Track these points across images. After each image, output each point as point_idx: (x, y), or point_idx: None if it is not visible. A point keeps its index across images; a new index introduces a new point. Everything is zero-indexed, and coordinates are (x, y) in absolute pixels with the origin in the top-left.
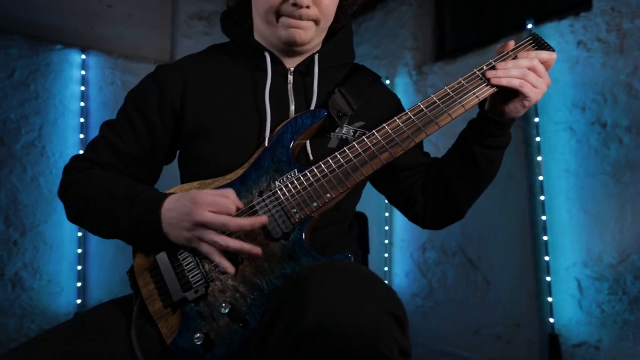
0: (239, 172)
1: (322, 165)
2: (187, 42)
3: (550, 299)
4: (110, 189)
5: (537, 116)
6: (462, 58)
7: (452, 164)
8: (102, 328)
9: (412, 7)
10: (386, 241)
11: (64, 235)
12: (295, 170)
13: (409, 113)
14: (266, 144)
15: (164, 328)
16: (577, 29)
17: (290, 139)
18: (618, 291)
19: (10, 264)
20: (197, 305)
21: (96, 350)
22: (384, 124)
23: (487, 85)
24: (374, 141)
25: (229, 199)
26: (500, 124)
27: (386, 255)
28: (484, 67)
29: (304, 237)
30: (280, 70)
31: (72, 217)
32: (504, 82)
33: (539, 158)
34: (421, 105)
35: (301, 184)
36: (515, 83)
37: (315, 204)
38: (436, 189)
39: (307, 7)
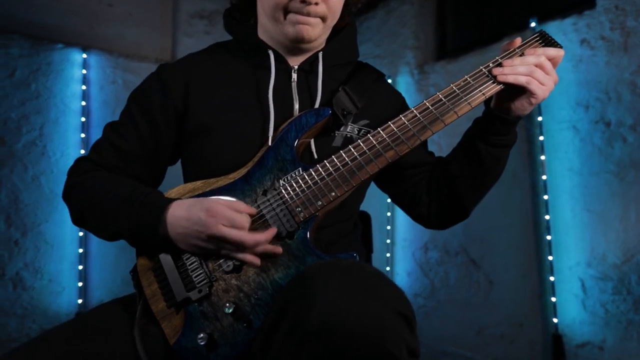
0: (242, 171)
1: (327, 164)
2: (188, 41)
3: (553, 299)
4: (114, 191)
5: (540, 115)
6: (464, 57)
7: (458, 162)
8: (103, 328)
9: (413, 6)
10: (388, 241)
11: (65, 235)
12: (300, 169)
13: (415, 111)
14: (270, 143)
15: (168, 328)
16: (581, 28)
17: (294, 138)
18: (622, 291)
19: (12, 264)
20: (200, 305)
21: (97, 351)
22: (390, 122)
23: (493, 82)
24: (379, 139)
25: (243, 213)
26: (506, 121)
27: (388, 255)
28: (490, 65)
29: (308, 236)
30: (284, 69)
31: (76, 220)
32: (510, 79)
33: (543, 157)
34: (427, 103)
35: (306, 182)
36: (522, 80)
37: (320, 203)
38: (441, 188)
39: (316, 3)
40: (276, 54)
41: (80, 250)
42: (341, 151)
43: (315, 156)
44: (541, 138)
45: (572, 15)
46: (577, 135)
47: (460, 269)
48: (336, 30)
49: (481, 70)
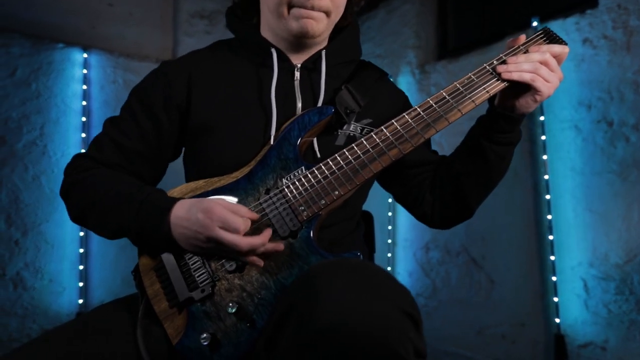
0: (245, 170)
1: (330, 163)
2: (188, 41)
3: (556, 299)
4: (117, 189)
5: (542, 114)
6: (466, 56)
7: (462, 161)
8: (104, 328)
9: (414, 5)
10: (389, 241)
11: (66, 235)
12: (303, 167)
13: (419, 109)
14: (272, 142)
15: (170, 328)
16: (583, 27)
17: (297, 136)
18: (625, 291)
19: (12, 264)
20: (203, 305)
21: (98, 351)
22: (393, 120)
23: (497, 80)
24: (383, 137)
25: (242, 216)
26: (511, 119)
27: (389, 254)
28: (495, 62)
29: (312, 235)
30: (286, 67)
31: (76, 218)
32: (515, 76)
33: (545, 157)
34: (430, 101)
35: (309, 181)
36: (526, 77)
37: (323, 202)
38: (445, 186)
39: None
40: (279, 52)
41: (81, 250)
42: (344, 150)
43: (318, 155)
44: (543, 137)
45: (574, 15)
46: (580, 135)
47: (462, 268)
48: (339, 29)
49: (485, 67)
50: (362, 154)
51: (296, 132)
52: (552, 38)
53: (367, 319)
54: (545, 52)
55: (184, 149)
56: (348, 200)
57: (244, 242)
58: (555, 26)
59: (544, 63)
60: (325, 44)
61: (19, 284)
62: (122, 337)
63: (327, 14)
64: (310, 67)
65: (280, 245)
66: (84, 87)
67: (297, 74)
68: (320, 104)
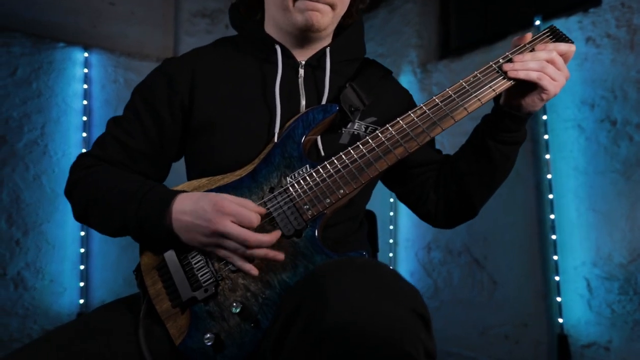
0: (249, 168)
1: (335, 161)
2: (190, 40)
3: (559, 299)
4: (119, 186)
5: (545, 114)
6: (468, 56)
7: (466, 160)
8: (105, 328)
9: (416, 4)
10: (391, 240)
11: (67, 235)
12: (307, 166)
13: (424, 107)
14: (276, 139)
15: (173, 328)
16: (586, 25)
17: (301, 134)
18: (629, 291)
19: (13, 264)
20: (206, 304)
21: (99, 351)
22: (398, 119)
23: (504, 78)
24: (388, 136)
25: (252, 210)
26: (516, 118)
27: (391, 254)
28: (501, 60)
29: (316, 234)
30: (290, 64)
31: (79, 216)
32: (521, 75)
33: (547, 156)
34: (436, 100)
35: (313, 180)
36: (533, 76)
37: (328, 201)
38: (449, 185)
39: None
40: (283, 48)
41: (82, 250)
42: (349, 148)
43: (322, 153)
44: (546, 137)
45: (577, 13)
46: (583, 134)
47: (464, 268)
48: (343, 27)
49: (491, 66)
50: (368, 152)
51: (300, 130)
52: (558, 36)
53: (378, 319)
54: (551, 50)
55: (186, 147)
56: (352, 200)
57: (254, 237)
58: (558, 25)
59: (551, 61)
60: (329, 40)
61: (19, 284)
62: (124, 337)
63: (333, 7)
64: (315, 64)
65: (280, 255)
66: (85, 86)
67: (301, 71)
68: (324, 101)
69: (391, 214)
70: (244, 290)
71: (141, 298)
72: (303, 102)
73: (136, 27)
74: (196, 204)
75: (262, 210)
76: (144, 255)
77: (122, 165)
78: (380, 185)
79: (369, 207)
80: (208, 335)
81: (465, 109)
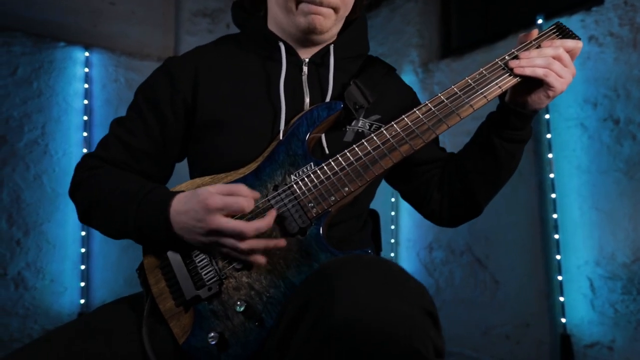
0: (252, 166)
1: (340, 158)
2: (190, 40)
3: (561, 299)
4: (121, 187)
5: (547, 113)
6: (469, 55)
7: (471, 157)
8: (106, 328)
9: (417, 3)
10: (392, 240)
11: (67, 235)
12: (312, 163)
13: (429, 104)
14: (281, 137)
15: (176, 327)
16: (589, 24)
17: (305, 132)
18: (632, 291)
19: (13, 264)
20: (210, 303)
21: (100, 351)
22: (403, 116)
23: (509, 75)
24: (393, 133)
25: (241, 195)
26: (522, 115)
27: (392, 254)
28: (506, 57)
29: (321, 232)
30: (294, 61)
31: (83, 217)
32: (527, 71)
33: (550, 155)
34: (441, 97)
35: (318, 177)
36: (539, 72)
37: (333, 198)
38: (453, 183)
39: None
40: (287, 46)
41: (83, 250)
42: (354, 145)
43: (327, 151)
44: (548, 136)
45: (579, 12)
46: (585, 133)
47: (466, 268)
48: (347, 23)
49: (497, 62)
50: (373, 149)
51: (305, 127)
52: (565, 33)
53: (387, 316)
54: (558, 47)
55: (189, 146)
56: (357, 198)
57: (250, 227)
58: None
59: (557, 58)
60: (334, 38)
61: (20, 284)
62: (125, 337)
63: (336, 10)
64: (318, 62)
65: (282, 241)
66: (86, 85)
67: (305, 69)
68: (328, 99)
69: (392, 213)
70: (248, 289)
71: (144, 297)
72: (307, 100)
73: (137, 26)
74: (187, 204)
75: (257, 194)
76: (147, 254)
77: (125, 165)
78: (381, 184)
79: (370, 206)
80: (212, 334)
81: (470, 106)
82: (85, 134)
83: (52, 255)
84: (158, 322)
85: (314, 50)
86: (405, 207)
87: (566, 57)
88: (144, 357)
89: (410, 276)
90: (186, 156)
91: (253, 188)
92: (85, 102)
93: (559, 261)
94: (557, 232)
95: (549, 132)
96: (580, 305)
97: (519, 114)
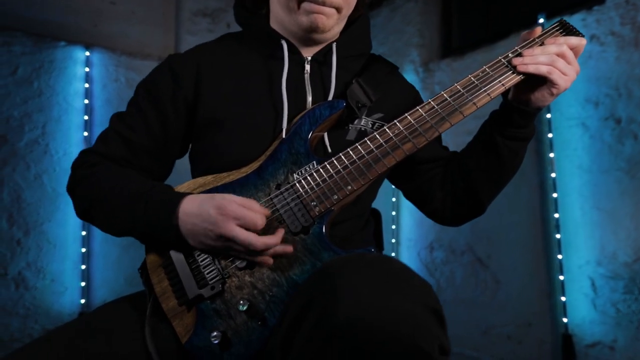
0: (254, 165)
1: (342, 157)
2: (191, 39)
3: (563, 298)
4: (124, 186)
5: (549, 112)
6: (470, 55)
7: (474, 156)
8: (107, 328)
9: (418, 3)
10: (393, 240)
11: (68, 234)
12: (314, 162)
13: (432, 102)
14: (284, 135)
15: (179, 326)
16: (590, 23)
17: (308, 131)
18: (634, 290)
19: (14, 263)
20: (213, 302)
21: (100, 351)
22: (406, 114)
23: (513, 73)
24: (396, 131)
25: (257, 212)
26: (525, 113)
27: (393, 254)
28: (510, 55)
29: (324, 231)
30: (296, 60)
31: (82, 214)
32: (531, 69)
33: (552, 155)
34: (445, 95)
35: (320, 176)
36: (543, 70)
37: (335, 197)
38: (456, 182)
39: None
40: (289, 44)
41: (83, 250)
42: (357, 144)
43: (329, 150)
44: (550, 135)
45: (580, 11)
46: (587, 132)
47: (467, 268)
48: (349, 22)
49: (500, 60)
50: (375, 148)
51: (307, 126)
52: (568, 30)
53: (391, 314)
54: (562, 44)
55: (190, 145)
56: (360, 197)
57: (260, 241)
58: None
59: (561, 55)
60: (336, 37)
61: (20, 284)
62: (127, 336)
63: (338, 9)
64: (321, 60)
65: (289, 248)
66: (86, 85)
67: (308, 67)
68: (331, 97)
69: (393, 213)
70: (251, 288)
71: (147, 296)
72: (309, 98)
73: (137, 26)
74: (200, 207)
75: (267, 212)
76: (150, 253)
77: (124, 161)
78: (382, 184)
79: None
80: (215, 333)
81: (474, 103)
82: (85, 133)
83: (52, 255)
84: (160, 321)
85: (317, 48)
86: (406, 206)
87: (570, 54)
88: (146, 356)
89: (414, 274)
90: (187, 153)
91: (255, 187)
92: (86, 101)
93: (560, 261)
94: (558, 232)
95: (550, 131)
96: (582, 305)
97: (523, 111)
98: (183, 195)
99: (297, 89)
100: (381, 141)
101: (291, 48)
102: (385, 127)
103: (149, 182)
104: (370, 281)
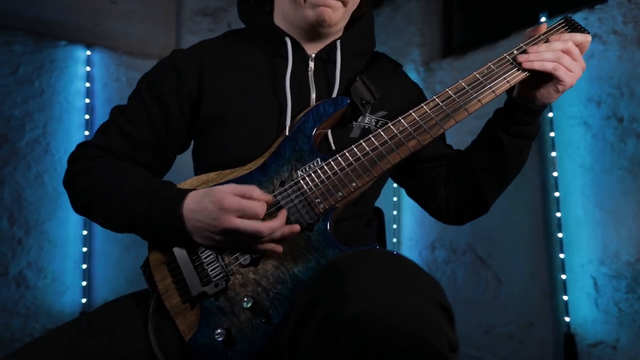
0: (258, 162)
1: (347, 154)
2: (192, 39)
3: (565, 298)
4: (126, 182)
5: (550, 111)
6: (471, 54)
7: (478, 154)
8: (108, 327)
9: (419, 2)
10: (394, 240)
11: (69, 234)
12: (318, 159)
13: (437, 99)
14: (287, 132)
15: (182, 324)
16: (592, 22)
17: (312, 128)
18: (636, 289)
19: (15, 263)
20: (217, 300)
21: (100, 351)
22: (411, 111)
23: (518, 70)
24: (401, 128)
25: (256, 199)
26: (531, 110)
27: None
28: (515, 52)
29: (328, 227)
30: (300, 57)
31: (80, 209)
32: (536, 65)
33: (553, 154)
34: (449, 92)
35: (325, 173)
36: (548, 67)
37: (340, 194)
38: (460, 180)
39: None
40: (293, 41)
41: (84, 249)
42: (361, 141)
43: (333, 147)
44: (552, 134)
45: (583, 10)
46: (589, 132)
47: (468, 267)
48: (353, 19)
49: (505, 57)
50: (380, 145)
51: (311, 123)
52: (573, 27)
53: (400, 310)
54: (567, 40)
55: (193, 141)
56: (364, 194)
57: (265, 226)
58: None
59: (567, 52)
60: (340, 34)
61: (21, 283)
62: (130, 334)
63: (344, 3)
64: (325, 58)
65: (296, 227)
66: (87, 84)
67: (312, 64)
68: (335, 95)
69: (395, 213)
70: (255, 285)
71: (150, 294)
72: (313, 96)
73: (138, 25)
74: (200, 204)
75: (268, 197)
76: (153, 250)
77: (125, 156)
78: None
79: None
80: (219, 330)
81: (479, 100)
82: (86, 132)
83: (53, 254)
84: (163, 318)
85: (321, 45)
86: (408, 206)
87: (575, 51)
88: (149, 353)
89: (421, 269)
90: (189, 149)
91: (259, 184)
92: (87, 100)
93: (562, 260)
94: (560, 231)
95: (552, 130)
96: (584, 304)
97: (528, 108)
98: (186, 192)
99: (301, 86)
100: (386, 138)
101: (295, 45)
102: (389, 124)
103: (151, 179)
104: (378, 277)
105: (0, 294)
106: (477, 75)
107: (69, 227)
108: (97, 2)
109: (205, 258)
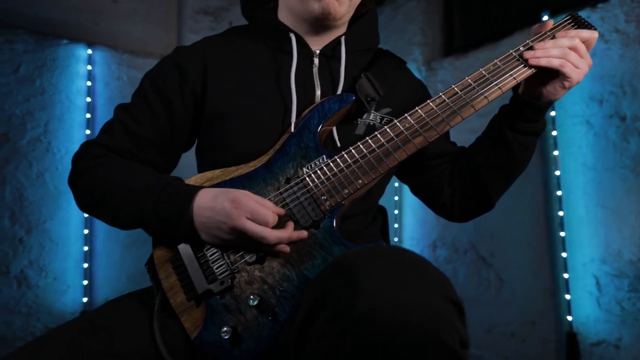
0: (263, 159)
1: (353, 151)
2: (193, 38)
3: (567, 296)
4: (133, 179)
5: (553, 110)
6: (473, 53)
7: (483, 151)
8: (110, 326)
9: (420, 2)
10: (396, 239)
11: (70, 233)
12: (324, 156)
13: (443, 96)
14: (293, 129)
15: (188, 322)
16: (595, 21)
17: (317, 124)
18: (639, 288)
19: (16, 262)
20: (222, 297)
21: (102, 349)
22: (417, 108)
23: (524, 66)
24: (407, 125)
25: (270, 210)
26: (537, 107)
27: None
28: (521, 48)
29: (334, 225)
30: (305, 53)
31: (85, 207)
32: (543, 62)
33: (556, 152)
34: (455, 88)
35: (331, 170)
36: (555, 63)
37: (346, 191)
38: (465, 177)
39: None
40: (297, 37)
41: (86, 248)
42: (367, 138)
43: (338, 144)
44: (554, 133)
45: (585, 8)
46: (591, 130)
47: (470, 266)
48: (357, 16)
49: (511, 54)
50: (386, 141)
51: (316, 120)
52: (580, 23)
53: (412, 307)
54: (574, 37)
55: (197, 138)
56: (370, 191)
57: (273, 235)
58: None
59: (573, 48)
60: (344, 29)
61: (23, 282)
62: (131, 333)
63: None
64: (329, 54)
65: (303, 233)
66: (89, 83)
67: (316, 61)
68: (339, 91)
69: (396, 212)
70: (261, 283)
71: (154, 291)
72: (318, 92)
73: (139, 24)
74: (215, 200)
75: (281, 211)
76: (157, 248)
77: (129, 154)
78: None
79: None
80: (225, 328)
81: (485, 97)
82: (88, 131)
83: (55, 253)
84: (168, 316)
85: (325, 41)
86: (409, 205)
87: (582, 47)
88: (154, 352)
89: (431, 265)
90: (193, 147)
91: (264, 181)
92: (88, 99)
93: (564, 259)
94: (562, 230)
95: (554, 129)
96: (587, 303)
97: (534, 105)
98: (198, 188)
99: (306, 83)
100: (392, 135)
101: (299, 41)
102: (395, 121)
103: (161, 176)
104: (386, 273)
105: (2, 293)
106: (483, 71)
107: (70, 226)
108: (98, 1)
109: (210, 256)
